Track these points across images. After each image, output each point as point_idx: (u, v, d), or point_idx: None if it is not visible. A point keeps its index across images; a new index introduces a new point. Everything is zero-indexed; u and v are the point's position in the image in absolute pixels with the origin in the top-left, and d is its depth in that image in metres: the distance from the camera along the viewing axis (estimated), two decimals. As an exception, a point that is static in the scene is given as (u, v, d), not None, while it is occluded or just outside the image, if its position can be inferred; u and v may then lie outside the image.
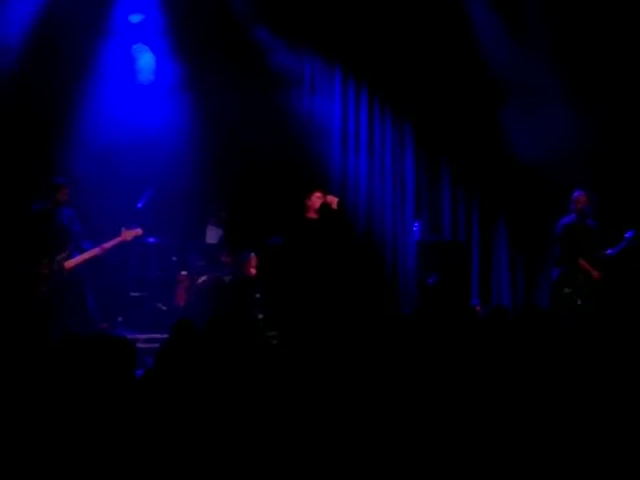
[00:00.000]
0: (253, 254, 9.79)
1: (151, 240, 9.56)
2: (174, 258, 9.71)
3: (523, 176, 10.13)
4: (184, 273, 9.57)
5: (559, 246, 8.81)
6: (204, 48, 10.16)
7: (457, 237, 11.08)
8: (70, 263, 8.12)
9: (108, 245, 8.21)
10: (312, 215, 8.46)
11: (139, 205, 9.02)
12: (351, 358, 4.21)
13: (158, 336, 7.79)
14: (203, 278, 9.42)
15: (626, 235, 8.66)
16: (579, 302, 8.45)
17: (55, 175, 8.49)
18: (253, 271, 9.71)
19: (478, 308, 9.52)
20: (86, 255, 8.16)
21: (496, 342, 5.12)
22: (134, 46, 10.17)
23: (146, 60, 10.17)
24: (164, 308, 9.49)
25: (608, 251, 8.66)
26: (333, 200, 8.41)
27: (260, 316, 9.39)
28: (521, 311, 5.65)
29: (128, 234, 8.28)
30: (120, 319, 9.13)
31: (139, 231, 8.34)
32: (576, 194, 8.75)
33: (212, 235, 10.04)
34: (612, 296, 8.67)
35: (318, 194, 8.46)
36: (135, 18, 10.13)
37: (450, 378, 4.01)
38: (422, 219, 10.96)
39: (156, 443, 3.20)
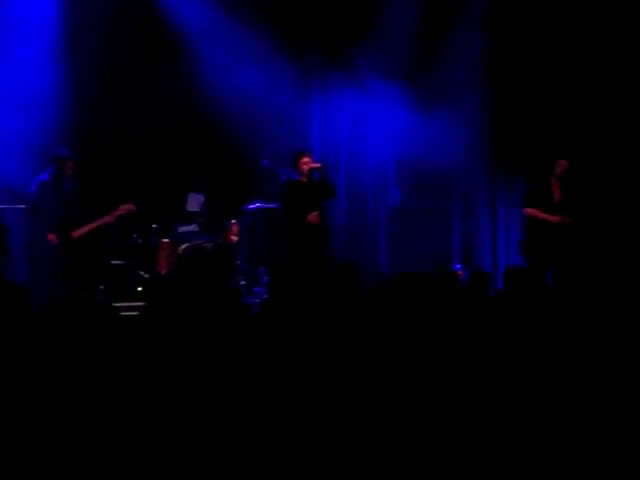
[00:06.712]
0: (234, 221, 9.79)
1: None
2: (154, 225, 9.67)
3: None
4: (166, 240, 9.54)
5: None
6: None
7: (439, 204, 11.17)
8: (78, 232, 8.24)
9: (114, 215, 8.34)
10: (302, 179, 8.74)
11: None
12: (328, 325, 4.21)
13: (140, 304, 7.77)
14: (184, 245, 9.40)
15: None
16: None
17: (61, 147, 8.51)
18: (234, 238, 9.71)
19: (460, 272, 9.60)
20: (93, 224, 8.30)
21: (478, 304, 5.16)
22: None
23: None
24: (146, 276, 9.47)
25: None
26: (317, 165, 8.84)
27: (242, 282, 9.40)
28: (503, 272, 5.68)
29: (124, 208, 8.39)
30: (102, 287, 9.10)
31: (132, 206, 8.44)
32: None
33: (193, 202, 9.99)
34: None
35: (306, 159, 8.74)
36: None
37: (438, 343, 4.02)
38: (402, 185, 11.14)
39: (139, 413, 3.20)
